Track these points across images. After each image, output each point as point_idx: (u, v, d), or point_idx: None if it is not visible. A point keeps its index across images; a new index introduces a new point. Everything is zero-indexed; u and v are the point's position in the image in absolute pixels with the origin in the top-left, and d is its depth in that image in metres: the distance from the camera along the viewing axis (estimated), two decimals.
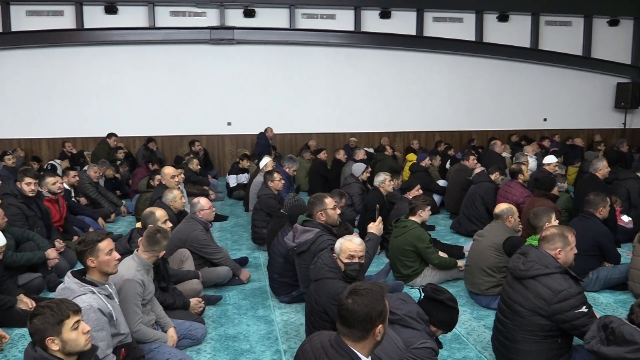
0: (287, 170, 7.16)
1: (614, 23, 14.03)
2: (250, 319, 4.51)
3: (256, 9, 12.00)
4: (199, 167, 9.40)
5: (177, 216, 5.59)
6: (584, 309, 3.11)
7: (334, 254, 3.56)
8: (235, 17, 11.99)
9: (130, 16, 11.61)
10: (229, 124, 12.44)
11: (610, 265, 5.15)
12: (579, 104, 14.09)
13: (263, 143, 11.16)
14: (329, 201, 4.51)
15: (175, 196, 5.78)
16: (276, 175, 6.57)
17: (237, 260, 5.69)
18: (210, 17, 11.97)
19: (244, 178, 9.71)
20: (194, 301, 4.37)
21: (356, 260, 3.53)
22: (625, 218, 6.83)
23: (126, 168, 10.00)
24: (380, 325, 2.17)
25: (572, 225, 4.93)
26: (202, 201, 5.32)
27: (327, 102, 12.70)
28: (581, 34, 13.94)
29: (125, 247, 4.43)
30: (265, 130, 11.41)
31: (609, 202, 5.24)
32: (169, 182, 6.48)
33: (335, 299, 3.04)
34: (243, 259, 5.94)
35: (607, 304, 4.83)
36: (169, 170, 6.72)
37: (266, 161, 7.78)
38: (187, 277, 4.66)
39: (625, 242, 6.31)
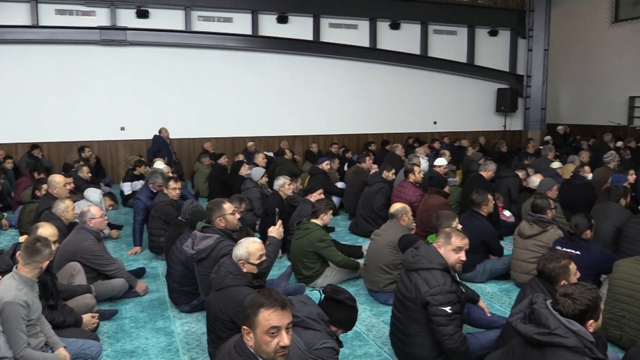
0: (150, 186, 6.77)
1: (493, 33, 15.20)
2: (149, 332, 4.35)
3: (150, 10, 11.61)
4: (90, 174, 8.89)
5: (67, 228, 5.26)
6: (447, 310, 3.26)
7: (240, 261, 3.52)
8: (127, 17, 11.51)
9: (11, 13, 10.74)
10: (123, 128, 11.89)
11: (495, 257, 5.55)
12: (464, 108, 15.08)
13: (159, 144, 10.74)
14: (228, 206, 4.47)
15: (67, 206, 5.42)
16: (172, 183, 6.35)
17: (133, 271, 5.47)
18: (100, 16, 11.38)
19: (139, 185, 9.32)
20: (86, 317, 4.12)
21: (264, 257, 3.58)
22: (507, 213, 7.40)
23: (2, 175, 9.06)
24: (247, 329, 2.26)
25: (460, 222, 5.27)
26: (93, 209, 5.03)
27: (226, 106, 12.54)
28: (465, 42, 14.95)
29: (8, 263, 4.07)
30: (160, 131, 11.00)
31: (492, 199, 5.66)
32: (60, 192, 6.08)
33: (242, 307, 3.01)
34: (140, 270, 5.70)
35: (493, 293, 5.19)
36: (59, 178, 6.30)
37: (160, 165, 7.51)
38: (79, 292, 4.38)
39: (507, 235, 6.80)
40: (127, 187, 9.44)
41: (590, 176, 7.69)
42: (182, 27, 11.94)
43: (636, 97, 15.30)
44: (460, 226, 4.63)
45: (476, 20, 14.88)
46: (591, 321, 2.42)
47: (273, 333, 2.20)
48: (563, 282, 3.23)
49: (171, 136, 11.26)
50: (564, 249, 4.57)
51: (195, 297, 4.62)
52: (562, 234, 4.91)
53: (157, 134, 10.91)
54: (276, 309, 2.21)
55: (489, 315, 4.12)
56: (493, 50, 15.30)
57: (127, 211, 8.91)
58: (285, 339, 2.22)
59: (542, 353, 2.37)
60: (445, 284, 3.32)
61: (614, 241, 5.33)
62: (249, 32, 12.53)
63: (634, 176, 7.29)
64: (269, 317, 2.19)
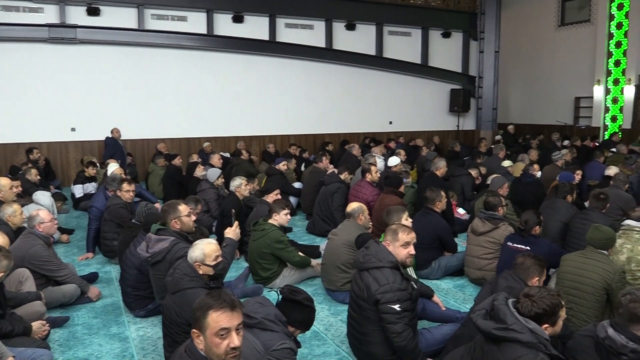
0: (109, 193, 6.59)
1: (446, 35, 15.54)
2: (103, 338, 4.24)
3: (101, 7, 11.31)
4: (39, 177, 8.58)
5: (15, 233, 5.06)
6: (396, 307, 3.30)
7: (196, 263, 3.48)
8: (77, 15, 11.17)
9: None
10: (73, 129, 11.54)
11: (449, 254, 5.68)
12: (419, 108, 15.35)
13: (112, 146, 10.48)
14: (183, 208, 4.40)
15: (15, 211, 5.23)
16: (125, 185, 6.19)
17: (85, 276, 5.32)
18: (49, 13, 11.00)
19: (91, 187, 9.07)
20: (36, 325, 3.96)
21: (220, 259, 3.55)
22: (461, 210, 7.58)
23: None
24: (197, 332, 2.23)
25: (415, 220, 5.37)
26: (42, 213, 4.87)
27: (180, 106, 12.36)
28: (419, 44, 15.22)
29: None
30: (111, 132, 10.70)
31: (445, 196, 5.78)
32: (6, 195, 5.85)
33: None
34: (92, 275, 5.55)
35: (448, 289, 5.31)
36: (5, 181, 6.04)
37: (114, 167, 7.33)
38: (28, 299, 4.22)
39: (461, 232, 6.97)
40: (78, 190, 9.17)
41: (539, 174, 7.96)
42: (134, 26, 11.69)
43: (581, 98, 15.96)
44: (410, 220, 4.70)
45: (429, 22, 15.18)
46: (546, 325, 2.50)
47: (223, 335, 2.17)
48: (536, 279, 3.35)
49: (124, 137, 11.02)
50: (515, 245, 4.73)
51: (151, 301, 4.54)
52: (512, 231, 5.07)
53: (110, 135, 10.65)
54: (225, 310, 2.19)
55: (444, 309, 4.22)
56: (446, 52, 15.64)
57: (79, 215, 8.66)
58: (235, 340, 2.20)
59: (499, 348, 2.46)
60: (395, 281, 3.36)
61: (561, 236, 5.54)
62: (204, 31, 12.38)
63: (580, 176, 7.59)
64: (218, 318, 2.18)
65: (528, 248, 4.57)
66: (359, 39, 14.24)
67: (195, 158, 9.62)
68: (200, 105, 12.55)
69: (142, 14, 11.71)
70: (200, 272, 3.47)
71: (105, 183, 6.78)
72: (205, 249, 3.49)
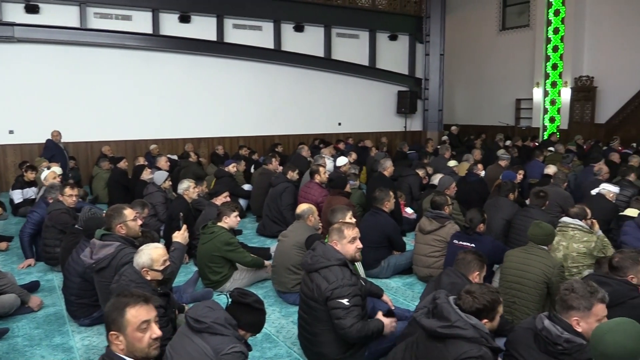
0: (50, 200, 6.37)
1: (393, 38, 15.81)
2: (45, 350, 4.07)
3: (40, 5, 10.85)
4: None
5: None
6: (345, 302, 3.34)
7: (144, 269, 3.40)
8: (15, 12, 10.68)
9: None
10: (11, 132, 11.02)
11: (398, 253, 5.78)
12: (367, 109, 15.54)
13: (51, 149, 10.07)
14: (129, 212, 4.29)
15: None
16: (68, 190, 5.98)
17: (25, 285, 5.11)
18: None
19: (31, 192, 8.70)
20: None
21: (168, 263, 3.49)
22: (409, 210, 7.72)
23: None
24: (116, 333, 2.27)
25: (364, 220, 5.44)
26: None
27: (125, 107, 12.02)
28: (367, 46, 15.41)
29: None
30: (51, 134, 10.30)
31: (393, 196, 5.88)
32: None
33: None
34: (33, 284, 5.33)
35: (397, 288, 5.40)
36: None
37: (46, 174, 7.05)
38: None
39: (409, 231, 7.10)
40: (17, 195, 8.77)
41: (483, 173, 8.22)
42: (76, 24, 11.30)
43: (522, 100, 16.60)
44: (354, 220, 4.76)
45: (377, 24, 15.40)
46: (486, 320, 2.61)
47: (144, 328, 2.26)
48: (476, 273, 3.45)
49: (67, 139, 10.61)
50: (460, 242, 4.86)
51: (96, 309, 4.39)
52: (458, 229, 5.21)
53: (50, 138, 10.24)
54: (141, 304, 2.28)
55: (393, 308, 4.29)
56: (393, 54, 15.91)
57: (18, 221, 8.28)
58: (156, 330, 2.30)
59: (444, 345, 2.53)
60: (344, 278, 3.41)
61: (504, 233, 5.74)
62: (149, 30, 12.11)
63: (522, 175, 7.89)
64: (137, 313, 2.25)
65: (473, 245, 4.71)
66: (307, 40, 14.28)
67: (141, 161, 9.41)
68: (146, 107, 12.26)
69: (84, 12, 11.33)
70: (149, 277, 3.39)
71: (43, 192, 6.52)
72: (152, 254, 3.42)
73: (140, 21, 12.03)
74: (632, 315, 2.96)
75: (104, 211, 4.61)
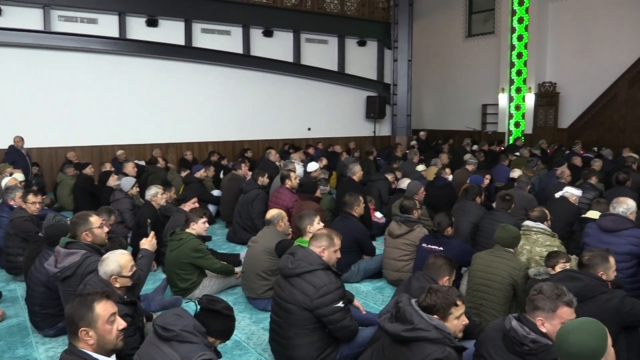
0: (11, 202, 6.20)
1: (362, 44, 15.93)
2: None
3: (2, 7, 10.58)
4: None
5: None
6: (340, 304, 3.42)
7: (112, 276, 3.32)
8: None
9: None
10: None
11: (368, 257, 5.81)
12: (337, 114, 15.61)
13: (12, 154, 9.78)
14: (95, 219, 4.19)
15: None
16: (31, 197, 5.83)
17: None
18: None
19: None
20: None
21: (135, 268, 3.45)
22: (378, 214, 7.78)
23: None
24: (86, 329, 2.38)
25: (334, 225, 5.45)
26: None
27: (91, 112, 11.78)
28: (336, 52, 15.50)
29: None
30: (13, 140, 10.00)
31: (363, 201, 5.91)
32: None
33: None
34: None
35: (367, 292, 5.42)
36: None
37: (6, 180, 6.86)
38: None
39: (379, 236, 7.15)
40: None
41: (450, 178, 8.34)
42: (40, 27, 11.03)
43: (488, 105, 16.93)
44: (322, 224, 4.78)
45: (346, 30, 15.50)
46: (436, 316, 2.63)
47: (113, 320, 2.44)
48: (446, 278, 3.50)
49: (30, 145, 10.34)
50: (429, 246, 4.92)
51: (61, 319, 4.27)
52: (427, 232, 5.27)
53: (12, 143, 9.96)
54: (106, 299, 2.45)
55: (364, 313, 4.31)
56: (362, 60, 16.04)
57: None
58: (121, 321, 2.49)
59: (409, 348, 2.56)
60: (331, 282, 3.44)
61: (471, 236, 5.83)
62: (115, 34, 11.91)
63: (489, 180, 8.03)
64: (105, 307, 2.42)
65: (441, 249, 4.76)
66: (276, 45, 14.27)
67: (108, 167, 9.23)
68: (113, 112, 12.04)
69: (48, 14, 11.08)
70: (117, 285, 3.34)
71: (4, 195, 6.36)
72: (120, 260, 3.36)
73: (107, 25, 11.82)
74: (601, 309, 3.07)
75: (69, 219, 4.51)
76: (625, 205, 4.81)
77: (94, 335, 2.36)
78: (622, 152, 10.91)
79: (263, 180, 7.46)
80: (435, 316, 2.62)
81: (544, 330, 2.59)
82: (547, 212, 5.01)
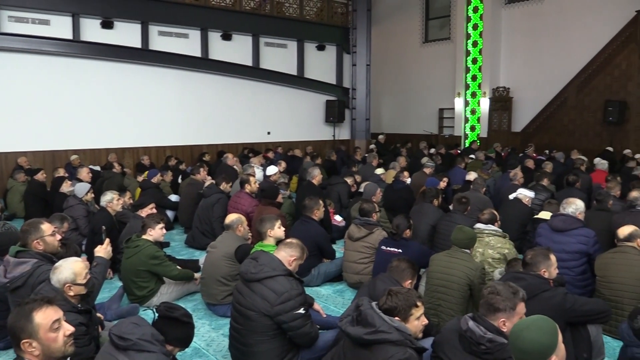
0: None
1: (321, 48, 16.03)
2: None
3: None
4: None
5: None
6: (301, 311, 3.41)
7: (67, 284, 3.22)
8: None
9: None
10: None
11: (328, 260, 5.83)
12: (296, 118, 15.63)
13: None
14: (46, 227, 4.05)
15: None
16: None
17: None
18: None
19: None
20: None
21: (89, 276, 3.36)
22: (338, 217, 7.82)
23: None
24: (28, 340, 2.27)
25: (294, 229, 5.44)
26: None
27: (43, 116, 11.42)
28: (295, 56, 15.53)
29: None
30: None
31: (322, 205, 5.93)
32: None
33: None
34: None
35: (327, 295, 5.44)
36: None
37: None
38: None
39: (339, 239, 7.17)
40: None
41: (408, 180, 8.46)
42: None
43: (444, 109, 17.27)
44: (283, 229, 4.79)
45: (305, 35, 15.56)
46: (397, 318, 2.68)
47: (57, 327, 2.33)
48: (409, 281, 3.55)
49: None
50: (388, 248, 4.97)
51: None
52: (386, 235, 5.33)
53: None
54: (46, 306, 2.33)
55: (324, 316, 4.32)
56: (321, 64, 16.13)
57: None
58: (68, 326, 2.39)
59: (371, 351, 2.58)
60: (293, 288, 3.42)
61: (429, 238, 5.93)
62: (69, 36, 11.62)
63: (446, 183, 8.19)
64: (45, 315, 2.31)
65: (400, 251, 4.83)
66: (235, 49, 14.20)
67: (61, 172, 8.96)
68: (66, 115, 11.71)
69: None
70: (72, 293, 3.23)
71: None
72: (74, 268, 3.26)
73: (59, 26, 11.52)
74: (545, 306, 3.17)
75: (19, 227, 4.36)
76: (574, 206, 4.99)
77: (38, 346, 2.27)
78: (571, 154, 11.31)
79: (226, 186, 7.39)
80: (396, 318, 2.66)
81: (505, 329, 2.65)
82: (496, 213, 5.16)
